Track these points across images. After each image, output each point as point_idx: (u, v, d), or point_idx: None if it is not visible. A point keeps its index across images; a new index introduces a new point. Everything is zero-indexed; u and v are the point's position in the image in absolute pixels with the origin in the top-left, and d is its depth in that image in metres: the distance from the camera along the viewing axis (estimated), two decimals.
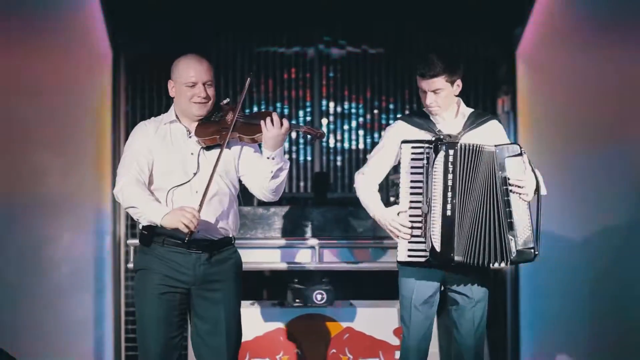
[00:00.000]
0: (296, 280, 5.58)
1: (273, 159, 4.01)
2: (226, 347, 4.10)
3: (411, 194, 4.22)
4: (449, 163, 4.12)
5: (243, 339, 4.19)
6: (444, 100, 4.28)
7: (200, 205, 3.90)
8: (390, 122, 7.35)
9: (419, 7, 7.04)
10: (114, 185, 6.87)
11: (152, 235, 4.05)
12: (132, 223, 6.94)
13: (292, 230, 5.63)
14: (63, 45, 6.10)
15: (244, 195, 5.79)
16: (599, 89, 5.72)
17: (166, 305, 4.03)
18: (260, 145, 4.09)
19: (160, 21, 7.05)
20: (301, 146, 7.35)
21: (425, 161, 4.18)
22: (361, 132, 7.40)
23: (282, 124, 3.96)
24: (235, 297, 4.17)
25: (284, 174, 4.09)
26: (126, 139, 7.00)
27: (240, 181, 4.24)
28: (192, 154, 4.08)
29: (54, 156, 5.85)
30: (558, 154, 6.40)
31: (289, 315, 5.64)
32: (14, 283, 5.14)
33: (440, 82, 4.23)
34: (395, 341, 5.54)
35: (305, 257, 5.49)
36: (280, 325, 5.63)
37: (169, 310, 4.04)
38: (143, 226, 4.09)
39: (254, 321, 5.58)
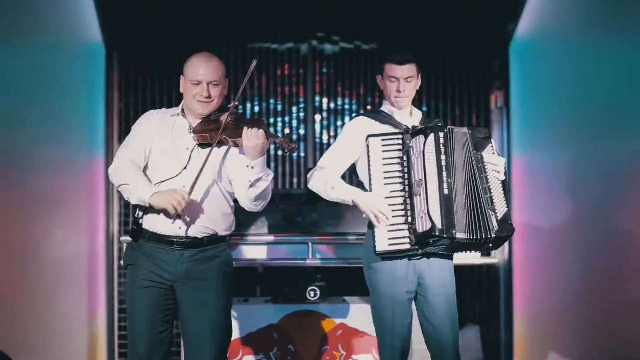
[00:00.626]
0: (289, 276, 5.58)
1: (252, 167, 4.06)
2: (209, 347, 4.10)
3: (386, 184, 4.25)
4: (441, 145, 4.19)
5: (236, 336, 4.18)
6: (411, 91, 4.41)
7: (191, 189, 3.98)
8: None
9: (412, 3, 7.03)
10: (107, 180, 6.99)
11: (139, 230, 4.11)
12: (125, 220, 6.94)
13: (285, 227, 5.63)
14: (56, 42, 6.08)
15: None
16: (593, 85, 5.72)
17: (151, 299, 4.08)
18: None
19: (153, 18, 7.04)
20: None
21: (400, 150, 4.23)
22: None
23: (258, 135, 4.01)
24: (221, 297, 4.15)
25: (263, 185, 4.12)
26: (119, 135, 7.15)
27: None
28: (187, 148, 4.12)
29: (47, 153, 5.84)
30: (551, 150, 6.40)
31: (282, 311, 5.64)
32: (6, 280, 5.13)
33: (413, 69, 4.36)
34: None
35: (299, 253, 5.49)
36: (273, 321, 5.63)
37: (153, 304, 4.08)
38: (133, 221, 4.16)
39: (247, 318, 5.58)
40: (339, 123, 7.34)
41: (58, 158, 6.08)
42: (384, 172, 4.26)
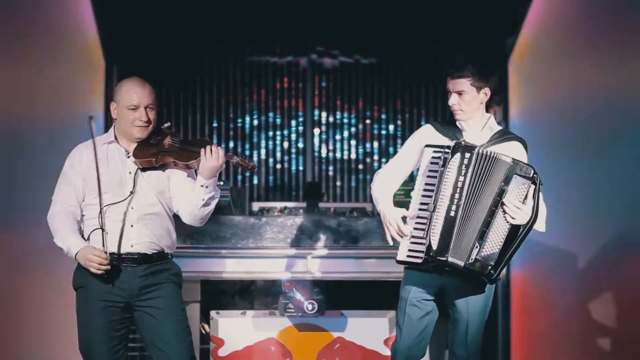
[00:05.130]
0: (287, 280, 5.58)
1: (207, 187, 4.11)
2: (179, 350, 4.15)
3: (422, 196, 4.22)
4: (463, 165, 4.13)
5: (234, 349, 4.19)
6: (468, 105, 4.29)
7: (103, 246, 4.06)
8: (382, 132, 7.39)
9: (411, 18, 7.05)
10: None
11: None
12: None
13: (283, 240, 5.62)
14: (56, 54, 6.09)
15: (237, 205, 5.81)
16: (592, 99, 5.73)
17: (107, 320, 4.12)
18: (196, 172, 4.18)
19: (153, 31, 7.05)
20: (293, 156, 7.35)
21: (441, 164, 4.18)
22: (353, 142, 7.41)
23: (219, 155, 4.06)
24: (178, 303, 4.23)
25: (215, 202, 4.20)
26: None
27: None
28: (130, 172, 4.18)
29: (46, 165, 5.84)
30: (550, 165, 6.41)
31: (279, 324, 5.63)
32: (5, 291, 5.13)
33: (465, 84, 4.27)
34: (386, 351, 5.54)
35: (297, 266, 5.49)
36: (271, 334, 5.63)
37: (110, 325, 4.13)
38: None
39: (245, 330, 5.58)
40: (337, 137, 7.35)
41: (58, 170, 6.08)
42: (425, 184, 4.22)
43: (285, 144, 7.35)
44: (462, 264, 4.10)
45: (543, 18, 6.66)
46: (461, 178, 4.12)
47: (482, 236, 4.11)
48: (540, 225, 4.25)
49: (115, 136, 4.25)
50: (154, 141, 4.21)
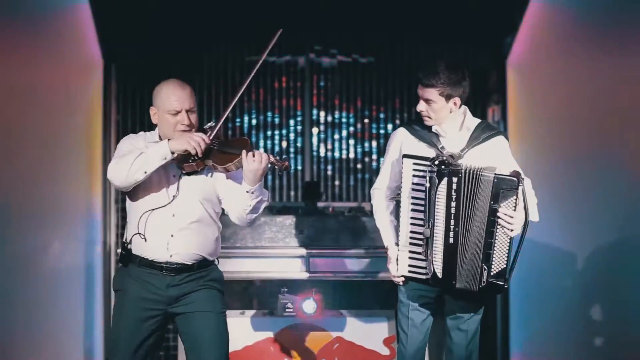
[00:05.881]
0: (286, 289, 5.58)
1: (252, 193, 4.00)
2: (210, 354, 4.09)
3: (412, 210, 4.20)
4: (452, 191, 4.10)
5: (233, 349, 4.17)
6: (436, 113, 4.25)
7: (211, 133, 4.02)
8: (381, 131, 7.38)
9: (410, 17, 7.05)
10: (104, 192, 6.99)
11: (129, 256, 4.08)
12: (122, 232, 6.93)
13: (282, 240, 5.62)
14: (54, 54, 6.08)
15: None
16: (591, 98, 5.72)
17: (138, 325, 4.06)
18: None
19: (151, 30, 7.05)
20: (292, 155, 7.35)
21: (427, 182, 4.14)
22: (352, 142, 7.41)
23: (262, 159, 3.94)
24: (217, 308, 4.15)
25: (263, 206, 4.10)
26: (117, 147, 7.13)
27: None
28: (173, 176, 4.08)
29: (45, 165, 5.84)
30: (549, 164, 6.41)
31: (278, 324, 5.64)
32: (3, 292, 5.12)
33: (433, 93, 4.21)
34: (385, 351, 5.55)
35: (296, 266, 5.50)
36: (270, 334, 5.64)
37: (140, 330, 4.06)
38: (122, 246, 4.13)
39: (244, 331, 5.58)
40: (336, 136, 7.35)
41: (56, 170, 6.08)
42: (412, 197, 4.19)
43: (284, 144, 7.35)
44: (475, 288, 4.13)
45: (541, 17, 6.66)
46: (453, 204, 4.10)
47: (487, 258, 4.11)
48: (533, 216, 4.23)
49: (159, 137, 4.14)
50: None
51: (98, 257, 6.99)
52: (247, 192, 3.98)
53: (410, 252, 4.21)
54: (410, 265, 4.22)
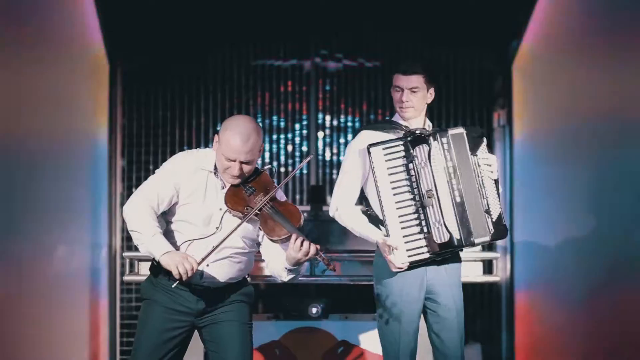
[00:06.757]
0: (292, 293, 5.58)
1: (289, 271, 3.96)
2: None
3: (395, 194, 4.20)
4: (445, 151, 4.19)
5: None
6: (419, 103, 4.34)
7: (203, 259, 3.85)
8: None
9: (416, 21, 7.06)
10: (110, 196, 6.99)
11: (161, 268, 3.96)
12: (127, 235, 6.94)
13: None
14: (60, 58, 6.10)
15: None
16: (595, 102, 5.72)
17: (162, 337, 4.01)
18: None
19: (157, 34, 7.07)
20: (297, 159, 7.35)
21: (405, 157, 4.18)
22: None
23: (309, 252, 3.83)
24: (236, 313, 4.10)
25: (298, 276, 4.08)
26: (122, 151, 7.16)
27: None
28: (220, 209, 4.00)
29: (51, 168, 5.85)
30: (554, 168, 6.40)
31: (284, 328, 5.64)
32: (9, 295, 5.13)
33: (419, 80, 4.31)
34: None
35: (301, 270, 5.48)
36: (275, 338, 5.63)
37: (164, 342, 4.01)
38: (153, 258, 4.03)
39: None
40: (342, 140, 7.35)
41: (62, 173, 6.09)
42: (391, 182, 4.19)
43: (289, 147, 7.36)
44: (488, 239, 4.23)
45: (547, 22, 6.66)
46: (450, 164, 4.19)
47: (487, 205, 4.23)
48: None
49: (215, 166, 4.03)
50: (247, 191, 4.00)
51: (103, 260, 6.99)
52: (286, 268, 3.96)
53: (405, 236, 4.18)
54: (408, 250, 4.18)
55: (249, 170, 3.99)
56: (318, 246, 3.87)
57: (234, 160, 3.91)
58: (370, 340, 5.62)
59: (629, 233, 5.13)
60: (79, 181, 6.56)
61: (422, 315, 4.34)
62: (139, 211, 3.91)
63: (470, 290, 7.07)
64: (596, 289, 5.68)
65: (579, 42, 6.10)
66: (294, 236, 3.85)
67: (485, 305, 7.26)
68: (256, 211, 3.91)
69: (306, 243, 3.83)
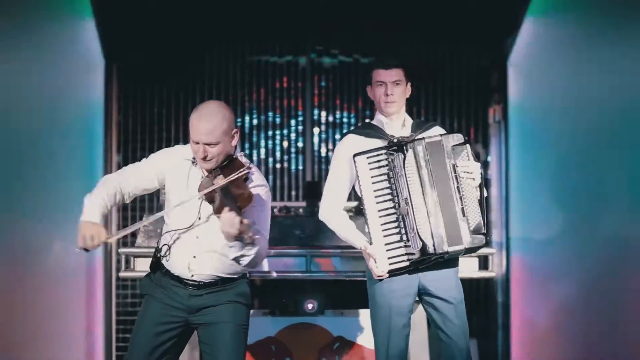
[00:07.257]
0: (287, 289, 5.58)
1: (231, 247, 3.88)
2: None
3: (378, 202, 4.22)
4: (420, 160, 4.18)
5: None
6: (401, 97, 4.35)
7: (114, 237, 4.00)
8: None
9: (411, 17, 7.06)
10: None
11: (158, 264, 4.11)
12: None
13: (283, 239, 5.62)
14: (56, 55, 6.10)
15: None
16: (591, 98, 5.73)
17: (156, 330, 4.05)
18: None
19: (152, 31, 7.06)
20: (292, 155, 7.36)
21: (386, 166, 4.20)
22: None
23: (233, 225, 3.72)
24: (229, 314, 4.10)
25: (248, 258, 3.94)
26: (118, 148, 7.15)
27: None
28: (199, 199, 4.00)
29: (45, 165, 5.84)
30: (549, 164, 6.41)
31: (279, 324, 5.64)
32: (4, 292, 5.13)
33: (399, 73, 4.33)
34: None
35: (296, 266, 5.48)
36: (271, 334, 5.63)
37: (158, 335, 4.05)
38: (154, 253, 4.15)
39: None
40: (337, 136, 7.35)
41: (58, 170, 6.09)
42: (374, 190, 4.22)
43: (285, 144, 7.36)
44: (462, 247, 4.17)
45: (542, 18, 6.66)
46: (424, 171, 4.18)
47: (463, 213, 4.18)
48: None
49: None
50: (213, 174, 3.96)
51: (99, 258, 6.98)
52: (226, 244, 3.90)
53: (387, 244, 4.20)
54: (390, 258, 4.21)
55: (216, 153, 3.93)
56: (247, 222, 3.75)
57: (198, 143, 3.91)
58: (366, 336, 5.62)
59: (625, 229, 5.14)
60: (74, 178, 6.55)
61: (425, 316, 4.36)
62: (103, 181, 4.07)
63: (466, 286, 7.04)
64: (592, 284, 5.69)
65: (574, 37, 6.10)
66: (225, 209, 3.74)
67: (481, 301, 7.26)
68: (209, 191, 3.86)
69: (231, 215, 3.72)
